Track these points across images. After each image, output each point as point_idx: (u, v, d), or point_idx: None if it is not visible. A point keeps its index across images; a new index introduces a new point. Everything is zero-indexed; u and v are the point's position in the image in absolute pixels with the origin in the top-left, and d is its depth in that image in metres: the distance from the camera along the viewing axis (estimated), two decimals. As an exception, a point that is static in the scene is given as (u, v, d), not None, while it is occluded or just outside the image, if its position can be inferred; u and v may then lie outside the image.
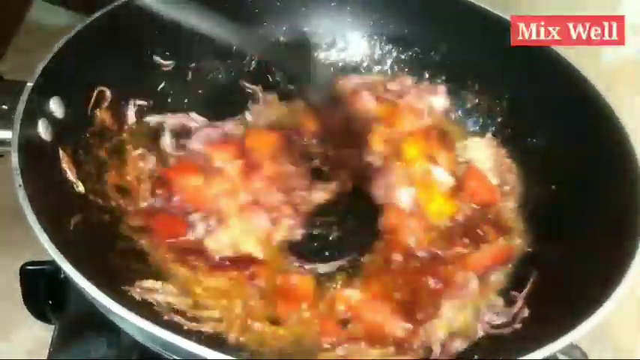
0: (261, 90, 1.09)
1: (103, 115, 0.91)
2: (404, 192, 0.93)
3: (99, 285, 0.61)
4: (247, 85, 1.09)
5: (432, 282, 0.84)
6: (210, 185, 0.90)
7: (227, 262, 0.84)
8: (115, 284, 0.72)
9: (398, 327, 0.79)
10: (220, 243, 0.86)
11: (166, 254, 0.83)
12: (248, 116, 1.05)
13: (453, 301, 0.81)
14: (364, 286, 0.84)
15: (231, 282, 0.82)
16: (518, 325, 0.78)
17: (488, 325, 0.80)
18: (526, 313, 0.79)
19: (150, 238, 0.85)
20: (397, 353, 0.77)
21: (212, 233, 0.86)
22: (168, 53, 1.03)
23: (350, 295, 0.82)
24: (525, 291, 0.82)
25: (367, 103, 1.02)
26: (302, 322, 0.80)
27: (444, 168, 0.96)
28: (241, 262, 0.85)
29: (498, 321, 0.80)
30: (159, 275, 0.81)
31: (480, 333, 0.79)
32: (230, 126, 1.01)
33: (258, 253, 0.86)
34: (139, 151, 0.94)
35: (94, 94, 0.90)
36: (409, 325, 0.79)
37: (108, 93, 0.91)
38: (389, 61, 1.14)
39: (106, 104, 0.91)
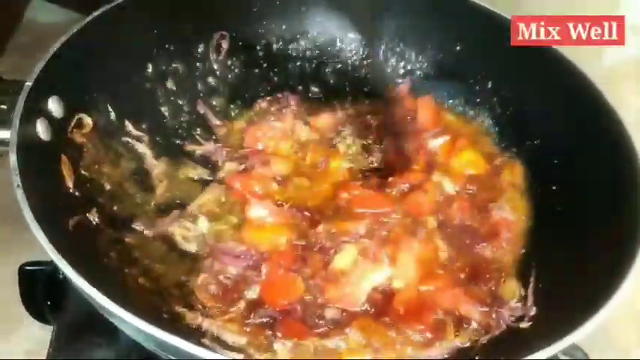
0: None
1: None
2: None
3: (97, 285, 0.61)
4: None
5: (481, 246, 0.88)
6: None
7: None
8: (113, 285, 0.72)
9: (474, 311, 0.81)
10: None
11: None
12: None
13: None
14: (432, 279, 0.85)
15: None
16: (526, 324, 0.79)
17: (508, 317, 0.80)
18: (534, 310, 0.80)
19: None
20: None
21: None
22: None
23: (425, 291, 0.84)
24: (531, 287, 0.83)
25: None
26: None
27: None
28: None
29: (515, 314, 0.81)
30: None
31: (503, 326, 0.80)
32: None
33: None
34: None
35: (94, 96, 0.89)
36: (485, 308, 0.81)
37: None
38: (389, 62, 1.14)
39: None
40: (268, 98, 1.10)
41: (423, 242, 0.87)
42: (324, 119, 1.07)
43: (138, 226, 0.87)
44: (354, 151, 1.03)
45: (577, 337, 0.63)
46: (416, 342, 0.78)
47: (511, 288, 0.85)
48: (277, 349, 0.76)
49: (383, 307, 0.82)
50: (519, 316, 0.80)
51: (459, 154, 1.00)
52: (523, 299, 0.83)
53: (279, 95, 1.10)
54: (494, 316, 0.80)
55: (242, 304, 0.81)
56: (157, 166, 0.96)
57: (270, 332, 0.78)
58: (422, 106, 1.06)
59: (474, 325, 0.80)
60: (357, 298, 0.82)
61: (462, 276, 0.85)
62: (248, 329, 0.78)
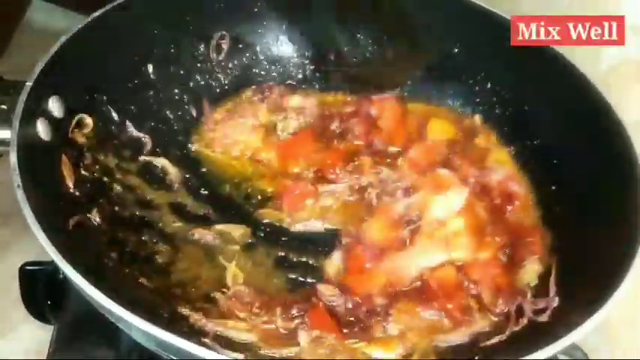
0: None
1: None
2: None
3: (97, 285, 0.61)
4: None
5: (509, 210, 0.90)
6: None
7: None
8: (114, 284, 0.72)
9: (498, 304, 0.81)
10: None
11: None
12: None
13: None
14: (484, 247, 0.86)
15: None
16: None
17: (530, 311, 0.80)
18: (556, 301, 0.79)
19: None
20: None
21: None
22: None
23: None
24: (553, 277, 0.82)
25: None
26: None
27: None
28: None
29: (537, 306, 0.80)
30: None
31: (524, 321, 0.79)
32: None
33: None
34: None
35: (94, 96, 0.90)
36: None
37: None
38: (388, 62, 1.14)
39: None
40: (254, 87, 1.11)
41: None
42: (296, 100, 1.08)
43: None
44: (284, 135, 1.05)
45: (576, 336, 0.63)
46: (444, 326, 0.80)
47: (533, 271, 0.84)
48: (300, 339, 0.76)
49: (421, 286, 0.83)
50: (541, 308, 0.79)
51: (426, 126, 1.02)
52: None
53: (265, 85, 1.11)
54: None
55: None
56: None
57: (299, 321, 0.78)
58: (385, 109, 1.06)
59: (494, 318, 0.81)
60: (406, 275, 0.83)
61: (504, 253, 0.86)
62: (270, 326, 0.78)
